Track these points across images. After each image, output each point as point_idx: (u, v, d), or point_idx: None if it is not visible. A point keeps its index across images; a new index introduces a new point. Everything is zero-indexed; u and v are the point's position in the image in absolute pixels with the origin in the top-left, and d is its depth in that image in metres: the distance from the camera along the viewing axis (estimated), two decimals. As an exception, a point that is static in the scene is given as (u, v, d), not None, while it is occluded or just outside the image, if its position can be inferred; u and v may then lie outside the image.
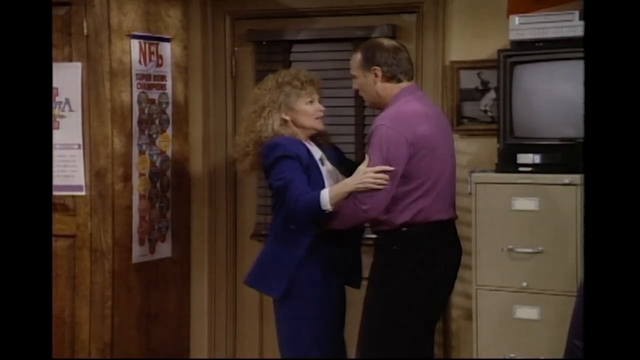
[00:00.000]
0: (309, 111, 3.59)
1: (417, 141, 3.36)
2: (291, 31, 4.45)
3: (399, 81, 3.50)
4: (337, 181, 3.53)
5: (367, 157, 3.40)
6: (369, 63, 3.49)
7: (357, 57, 3.55)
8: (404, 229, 3.42)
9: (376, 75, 3.49)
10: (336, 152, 3.76)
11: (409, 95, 3.50)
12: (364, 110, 4.32)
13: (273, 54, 4.48)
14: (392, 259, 3.46)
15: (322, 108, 3.64)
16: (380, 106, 3.55)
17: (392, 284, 3.43)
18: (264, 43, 4.51)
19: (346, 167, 3.63)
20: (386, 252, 3.48)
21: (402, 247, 3.43)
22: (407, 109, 3.44)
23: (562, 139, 3.50)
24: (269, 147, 3.52)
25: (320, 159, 3.60)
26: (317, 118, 3.61)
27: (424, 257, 3.44)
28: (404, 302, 3.43)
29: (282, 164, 3.47)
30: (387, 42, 3.58)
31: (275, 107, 3.56)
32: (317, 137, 3.68)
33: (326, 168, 3.60)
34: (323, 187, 3.47)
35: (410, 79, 3.55)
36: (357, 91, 3.62)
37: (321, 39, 4.40)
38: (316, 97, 3.63)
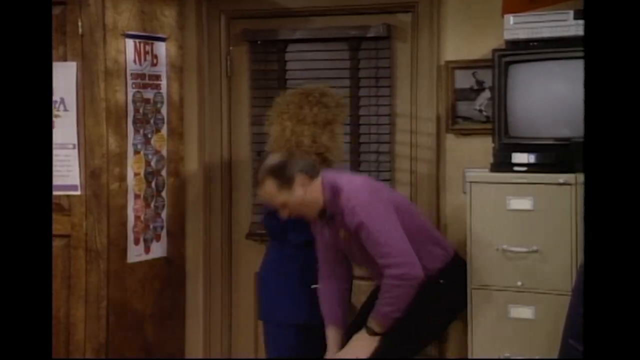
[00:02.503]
0: None
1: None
2: (286, 31, 4.45)
3: (318, 174, 3.48)
4: None
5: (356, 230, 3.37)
6: (289, 177, 3.42)
7: (271, 184, 3.43)
8: None
9: (303, 183, 3.43)
10: None
11: (334, 172, 3.56)
12: (359, 110, 4.32)
13: (268, 53, 4.49)
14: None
15: None
16: (324, 206, 3.47)
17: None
18: (259, 42, 4.51)
19: None
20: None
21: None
22: (350, 179, 3.50)
23: (557, 139, 3.51)
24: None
25: None
26: None
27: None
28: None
29: None
30: (278, 155, 3.50)
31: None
32: None
33: None
34: None
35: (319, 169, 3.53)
36: (296, 216, 3.51)
37: (316, 38, 4.40)
38: None
